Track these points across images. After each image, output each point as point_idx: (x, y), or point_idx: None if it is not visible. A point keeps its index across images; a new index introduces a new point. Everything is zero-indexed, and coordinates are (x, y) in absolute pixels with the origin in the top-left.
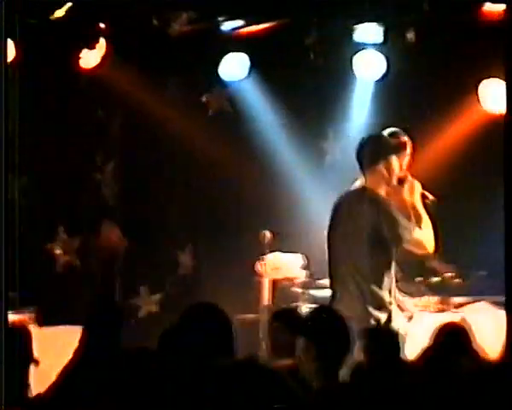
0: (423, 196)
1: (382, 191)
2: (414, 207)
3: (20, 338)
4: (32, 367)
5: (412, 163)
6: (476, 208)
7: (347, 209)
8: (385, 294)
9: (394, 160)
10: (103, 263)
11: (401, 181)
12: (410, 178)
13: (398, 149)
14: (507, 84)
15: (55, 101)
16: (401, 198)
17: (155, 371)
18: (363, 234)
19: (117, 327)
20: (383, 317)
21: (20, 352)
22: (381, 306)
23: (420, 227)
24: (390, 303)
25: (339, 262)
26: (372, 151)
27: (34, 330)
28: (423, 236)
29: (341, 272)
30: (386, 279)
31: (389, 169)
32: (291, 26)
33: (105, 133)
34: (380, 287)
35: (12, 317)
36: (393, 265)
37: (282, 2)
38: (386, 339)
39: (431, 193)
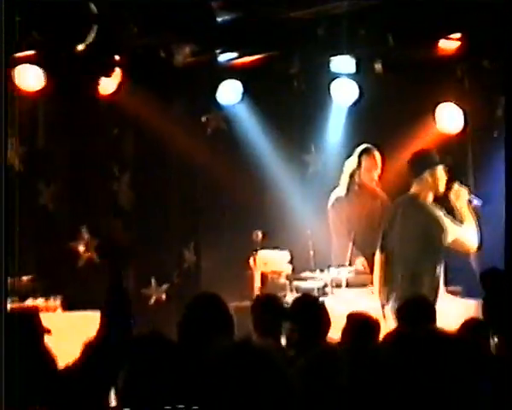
0: (469, 201)
1: (430, 197)
2: (460, 211)
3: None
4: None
5: (382, 173)
6: None
7: (400, 214)
8: (432, 290)
9: (439, 170)
10: (116, 258)
11: (448, 188)
12: (456, 186)
13: (371, 161)
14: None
15: (79, 121)
16: (448, 203)
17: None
18: (414, 236)
19: (129, 312)
20: None
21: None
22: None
23: (464, 228)
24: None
25: (394, 261)
26: (418, 163)
27: (60, 313)
28: (467, 236)
29: (395, 269)
30: (433, 276)
31: (434, 178)
32: (277, 58)
33: (120, 149)
34: (428, 283)
35: (41, 302)
36: (441, 262)
37: (270, 38)
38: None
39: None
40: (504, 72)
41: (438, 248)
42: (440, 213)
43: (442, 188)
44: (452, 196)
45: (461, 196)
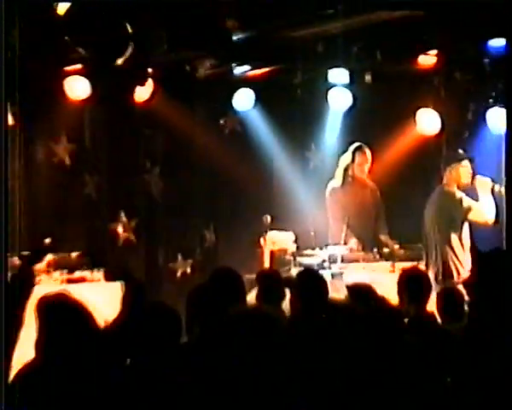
0: (493, 190)
1: (455, 187)
2: (482, 198)
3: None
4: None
5: (372, 167)
6: (415, 200)
7: (433, 201)
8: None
9: (460, 167)
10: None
11: (472, 180)
12: (480, 177)
13: (362, 157)
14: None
15: (118, 124)
16: (473, 192)
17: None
18: (443, 217)
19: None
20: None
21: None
22: None
23: (481, 204)
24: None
25: (430, 237)
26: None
27: (103, 283)
28: (484, 210)
29: (431, 243)
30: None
31: (457, 173)
32: (283, 71)
33: (152, 146)
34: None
35: (86, 274)
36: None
37: (277, 54)
38: None
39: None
40: (505, 75)
41: (462, 221)
42: (462, 195)
43: (465, 180)
44: (477, 185)
45: (485, 185)
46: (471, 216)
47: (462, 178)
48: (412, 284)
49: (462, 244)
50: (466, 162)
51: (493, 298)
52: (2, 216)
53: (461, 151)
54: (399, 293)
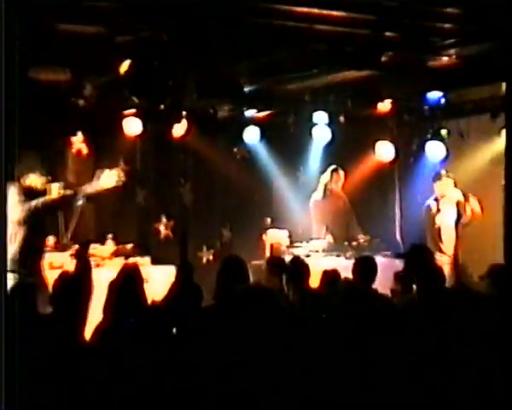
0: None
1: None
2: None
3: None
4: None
5: (344, 183)
6: (374, 206)
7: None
8: None
9: (438, 184)
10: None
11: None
12: (469, 197)
13: (337, 176)
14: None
15: (161, 151)
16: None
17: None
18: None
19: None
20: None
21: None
22: None
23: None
24: None
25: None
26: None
27: (150, 267)
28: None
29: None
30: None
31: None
32: (281, 113)
33: (185, 168)
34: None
35: (138, 260)
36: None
37: (276, 101)
38: None
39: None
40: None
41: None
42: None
43: (448, 189)
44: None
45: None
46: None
47: (446, 189)
48: (363, 267)
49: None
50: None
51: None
52: (2, 216)
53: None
54: (353, 272)
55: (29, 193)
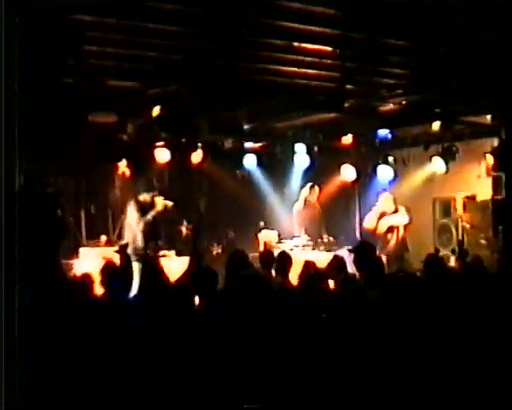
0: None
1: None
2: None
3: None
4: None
5: (319, 196)
6: (341, 213)
7: None
8: None
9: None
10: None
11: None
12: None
13: (314, 191)
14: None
15: (184, 175)
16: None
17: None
18: None
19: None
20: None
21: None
22: None
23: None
24: None
25: None
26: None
27: (174, 258)
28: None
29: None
30: None
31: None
32: (271, 145)
33: (201, 186)
34: None
35: (166, 252)
36: None
37: (267, 136)
38: None
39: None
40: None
41: None
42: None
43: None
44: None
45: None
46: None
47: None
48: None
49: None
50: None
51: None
52: (2, 218)
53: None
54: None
55: (141, 207)
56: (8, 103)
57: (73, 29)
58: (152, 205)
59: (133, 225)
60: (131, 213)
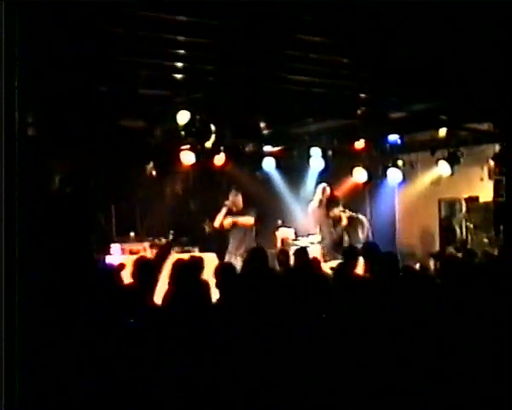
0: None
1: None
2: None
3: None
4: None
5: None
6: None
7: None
8: None
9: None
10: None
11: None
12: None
13: (327, 190)
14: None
15: (206, 176)
16: None
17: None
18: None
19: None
20: None
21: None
22: None
23: None
24: None
25: None
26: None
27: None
28: None
29: None
30: None
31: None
32: (288, 149)
33: (223, 186)
34: None
35: (190, 249)
36: None
37: (285, 140)
38: None
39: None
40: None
41: None
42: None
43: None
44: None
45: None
46: None
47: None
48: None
49: None
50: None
51: None
52: (2, 218)
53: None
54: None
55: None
56: (47, 110)
57: (107, 42)
58: None
59: None
60: None
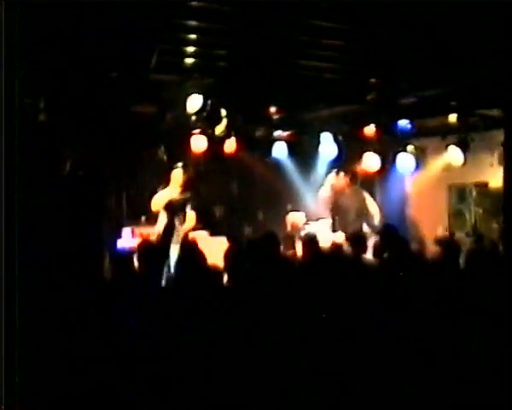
0: None
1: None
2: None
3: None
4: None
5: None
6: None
7: None
8: None
9: None
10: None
11: None
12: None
13: (338, 177)
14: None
15: (218, 162)
16: None
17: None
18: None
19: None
20: None
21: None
22: None
23: None
24: None
25: None
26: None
27: (208, 238)
28: None
29: None
30: None
31: None
32: (299, 134)
33: (233, 171)
34: None
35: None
36: None
37: (296, 126)
38: None
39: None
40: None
41: None
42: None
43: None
44: None
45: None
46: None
47: None
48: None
49: None
50: None
51: None
52: (1, 219)
53: None
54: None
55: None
56: (59, 96)
57: (119, 28)
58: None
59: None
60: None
